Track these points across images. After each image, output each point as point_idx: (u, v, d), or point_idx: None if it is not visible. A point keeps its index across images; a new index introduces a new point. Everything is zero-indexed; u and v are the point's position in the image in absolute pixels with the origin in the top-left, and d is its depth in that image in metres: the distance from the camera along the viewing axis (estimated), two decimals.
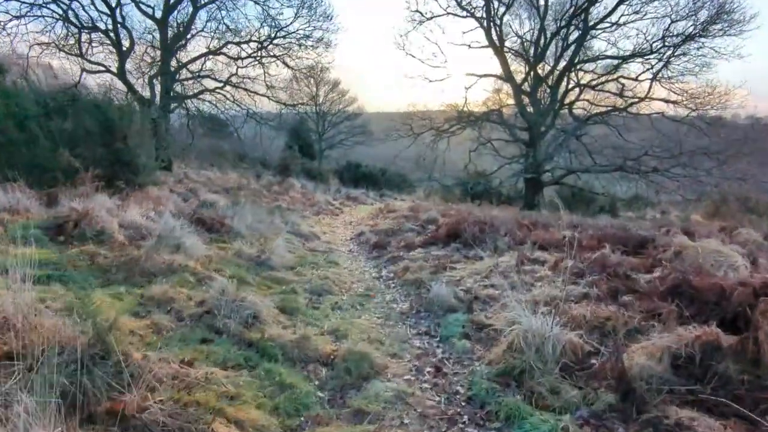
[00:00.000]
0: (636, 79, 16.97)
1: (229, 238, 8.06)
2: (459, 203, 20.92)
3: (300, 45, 19.06)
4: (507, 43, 19.41)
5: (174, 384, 2.94)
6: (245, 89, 20.17)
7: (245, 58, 18.90)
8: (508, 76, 18.99)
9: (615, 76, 17.57)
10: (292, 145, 32.48)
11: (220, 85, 20.04)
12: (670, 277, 4.99)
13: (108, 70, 17.69)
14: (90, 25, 16.76)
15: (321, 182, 29.43)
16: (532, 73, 18.95)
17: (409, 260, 8.19)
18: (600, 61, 18.81)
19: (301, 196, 20.97)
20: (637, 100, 17.43)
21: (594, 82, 18.29)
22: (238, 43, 18.63)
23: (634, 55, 17.19)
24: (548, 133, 19.48)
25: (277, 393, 3.29)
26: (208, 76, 18.99)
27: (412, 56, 21.12)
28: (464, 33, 27.84)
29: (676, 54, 17.09)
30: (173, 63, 18.41)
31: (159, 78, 17.94)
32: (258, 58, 19.26)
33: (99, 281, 4.86)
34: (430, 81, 22.42)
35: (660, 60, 17.20)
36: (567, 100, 19.26)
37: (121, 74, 17.30)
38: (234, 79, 20.08)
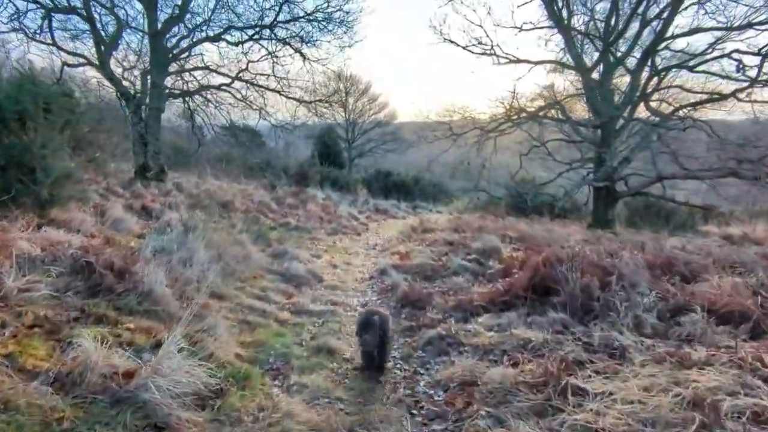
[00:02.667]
0: (759, 53, 12.25)
1: (122, 304, 4.11)
2: (504, 217, 16.58)
3: (319, 25, 15.22)
4: (573, 21, 15.06)
5: None
6: (257, 85, 16.48)
7: (246, 41, 15.20)
8: (576, 60, 14.61)
9: (725, 50, 12.89)
10: (314, 153, 28.96)
11: (228, 81, 16.48)
12: None
13: (89, 62, 14.40)
14: (61, 5, 13.45)
15: (348, 192, 25.63)
16: (605, 56, 14.52)
17: (472, 350, 4.05)
18: (691, 37, 14.14)
19: (321, 209, 17.06)
20: (755, 83, 12.64)
21: (692, 62, 13.68)
22: (241, 29, 15.05)
23: (749, 26, 12.51)
24: (623, 130, 14.96)
25: None
26: (207, 68, 15.48)
27: (452, 42, 16.70)
28: (519, 6, 22.89)
29: None
30: (169, 56, 14.97)
31: (151, 71, 14.51)
32: (266, 43, 15.58)
33: None
34: (472, 72, 18.22)
35: None
36: (649, 88, 14.69)
37: (103, 65, 13.96)
38: (246, 76, 16.51)
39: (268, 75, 16.57)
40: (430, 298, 5.65)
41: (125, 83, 15.01)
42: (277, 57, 16.19)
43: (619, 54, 14.68)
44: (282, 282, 6.62)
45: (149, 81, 14.83)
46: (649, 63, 14.29)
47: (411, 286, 6.34)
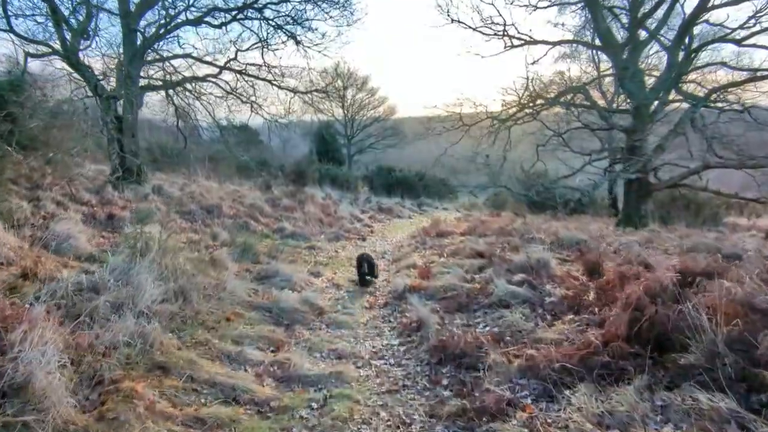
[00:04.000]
0: None
1: None
2: (524, 215, 14.69)
3: (314, 4, 13.23)
4: None
5: None
6: (247, 74, 14.54)
7: (230, 22, 13.22)
8: (605, 37, 12.64)
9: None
10: (312, 150, 27.06)
11: (215, 71, 14.55)
12: None
13: (54, 51, 12.49)
14: None
15: (348, 191, 23.75)
16: (634, 32, 12.58)
17: None
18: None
19: (320, 210, 15.17)
20: None
21: (738, 35, 11.77)
22: (226, 10, 13.07)
23: None
24: (657, 115, 13.05)
25: None
26: (189, 56, 13.52)
27: (460, 23, 14.78)
28: None
29: None
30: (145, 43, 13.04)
31: (124, 60, 12.59)
32: (256, 27, 13.66)
33: None
34: (483, 57, 16.24)
35: None
36: (688, 66, 12.77)
37: (68, 54, 12.04)
38: (235, 66, 14.58)
39: (260, 66, 14.63)
40: (482, 351, 3.78)
41: (99, 76, 13.09)
42: (267, 43, 14.26)
43: (651, 28, 12.72)
44: (268, 322, 4.76)
45: (124, 72, 12.88)
46: (686, 39, 12.37)
47: (445, 326, 4.48)
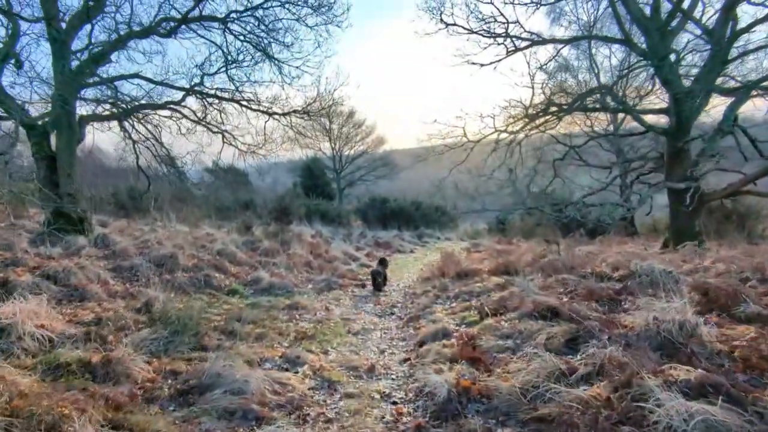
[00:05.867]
0: None
1: None
2: (557, 241, 11.98)
3: (288, 10, 10.81)
4: None
5: None
6: (215, 96, 11.97)
7: (177, 27, 10.59)
8: (639, 21, 10.24)
9: None
10: (297, 183, 24.41)
11: (178, 96, 11.97)
12: None
13: None
14: None
15: (340, 226, 21.03)
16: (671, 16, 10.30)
17: None
18: None
19: (308, 251, 12.35)
20: None
21: None
22: (181, 21, 10.54)
23: None
24: (700, 112, 10.64)
25: None
26: (138, 75, 10.87)
27: (456, 26, 12.48)
28: None
29: None
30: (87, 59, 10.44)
31: (55, 84, 9.97)
32: (219, 39, 11.15)
33: None
34: (482, 65, 13.86)
35: None
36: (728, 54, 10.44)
37: None
38: (202, 90, 12.02)
39: (231, 91, 12.06)
40: None
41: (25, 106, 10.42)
42: (236, 61, 11.76)
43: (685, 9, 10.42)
44: None
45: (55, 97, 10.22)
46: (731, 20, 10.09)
47: None
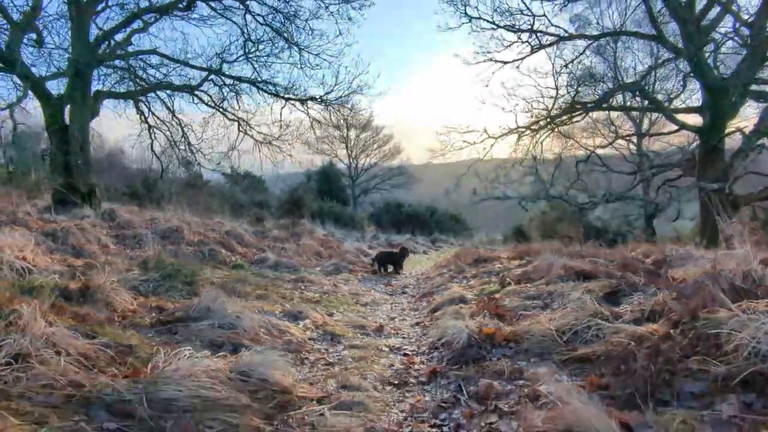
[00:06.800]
0: None
1: None
2: (581, 243, 11.38)
3: None
4: None
5: None
6: (236, 78, 11.75)
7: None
8: (676, 12, 9.76)
9: None
10: (310, 176, 24.13)
11: (195, 81, 11.82)
12: None
13: None
14: None
15: (354, 229, 20.67)
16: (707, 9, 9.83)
17: None
18: None
19: (319, 243, 11.99)
20: None
21: None
22: None
23: None
24: (740, 106, 10.09)
25: None
26: (155, 51, 10.80)
27: (481, 20, 12.22)
28: None
29: None
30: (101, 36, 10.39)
31: (72, 57, 9.91)
32: (239, 20, 11.03)
33: None
34: (504, 63, 13.49)
35: None
36: None
37: (4, 53, 9.35)
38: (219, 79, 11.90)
39: (254, 82, 11.90)
40: None
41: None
42: (256, 41, 11.63)
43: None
44: None
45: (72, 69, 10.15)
46: None
47: None
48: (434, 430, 2.05)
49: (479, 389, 2.27)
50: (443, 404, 2.26)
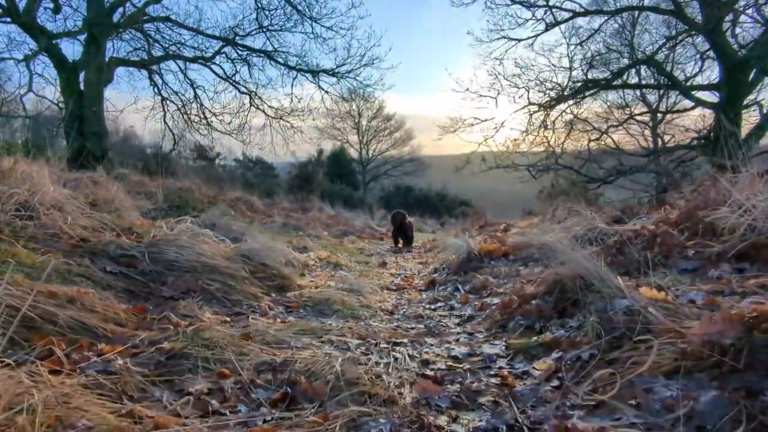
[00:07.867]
0: None
1: None
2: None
3: None
4: None
5: None
6: (249, 48, 11.81)
7: None
8: None
9: None
10: (321, 149, 24.19)
11: (208, 53, 11.90)
12: None
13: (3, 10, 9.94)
14: None
15: (362, 212, 20.73)
16: None
17: None
18: None
19: (327, 217, 12.09)
20: None
21: None
22: None
23: None
24: (759, 84, 9.90)
25: None
26: (168, 19, 10.89)
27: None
28: None
29: None
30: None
31: (87, 22, 10.01)
32: None
33: None
34: (519, 41, 13.31)
35: None
36: None
37: (20, 15, 9.51)
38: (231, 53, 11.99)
39: (267, 52, 11.96)
40: None
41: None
42: (268, 9, 11.63)
43: None
44: None
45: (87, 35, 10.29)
46: None
47: None
48: (427, 311, 2.09)
49: (476, 284, 2.30)
50: (439, 298, 2.30)
